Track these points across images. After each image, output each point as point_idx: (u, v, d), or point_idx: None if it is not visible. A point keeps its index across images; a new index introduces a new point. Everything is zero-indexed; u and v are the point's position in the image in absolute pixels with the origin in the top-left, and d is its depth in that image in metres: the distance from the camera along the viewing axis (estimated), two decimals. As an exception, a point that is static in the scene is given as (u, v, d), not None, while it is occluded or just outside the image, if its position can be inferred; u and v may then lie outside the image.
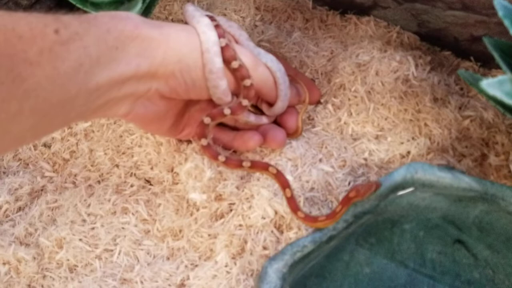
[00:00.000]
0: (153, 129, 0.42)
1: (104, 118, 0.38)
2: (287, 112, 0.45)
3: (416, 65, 0.45)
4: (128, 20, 0.33)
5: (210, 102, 0.42)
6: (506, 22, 0.30)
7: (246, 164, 0.40)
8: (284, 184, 0.40)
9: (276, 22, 0.53)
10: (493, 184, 0.35)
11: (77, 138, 0.50)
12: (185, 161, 0.44)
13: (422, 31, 0.48)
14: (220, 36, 0.38)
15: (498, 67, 0.43)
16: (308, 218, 0.37)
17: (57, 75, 0.27)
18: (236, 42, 0.42)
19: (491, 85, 0.29)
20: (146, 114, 0.38)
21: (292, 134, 0.46)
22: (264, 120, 0.44)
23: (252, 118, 0.44)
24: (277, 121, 0.46)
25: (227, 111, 0.40)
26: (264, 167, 0.41)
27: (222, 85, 0.38)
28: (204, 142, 0.39)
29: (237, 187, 0.43)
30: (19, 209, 0.47)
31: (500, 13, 0.30)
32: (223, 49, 0.38)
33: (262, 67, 0.40)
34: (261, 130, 0.44)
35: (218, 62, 0.37)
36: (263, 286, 0.33)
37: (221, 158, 0.39)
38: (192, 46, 0.36)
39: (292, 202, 0.39)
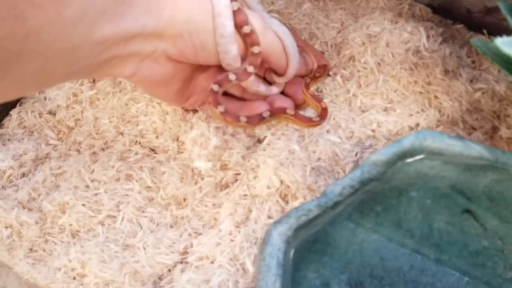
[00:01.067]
0: (159, 94, 0.42)
1: (109, 77, 0.38)
2: (294, 82, 0.44)
3: (428, 36, 0.44)
4: None
5: (218, 70, 0.42)
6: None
7: (266, 114, 0.40)
8: (305, 120, 0.41)
9: (286, -7, 0.52)
10: (504, 153, 0.34)
11: (82, 106, 0.49)
12: (191, 129, 0.44)
13: (434, 3, 0.47)
14: None
15: (511, 39, 0.42)
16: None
17: (61, 20, 0.27)
18: (248, 7, 0.41)
19: (506, 43, 0.28)
20: (152, 76, 0.37)
21: (300, 105, 0.45)
22: (274, 90, 0.44)
23: (262, 88, 0.43)
24: (285, 92, 0.45)
25: (232, 76, 0.39)
26: (282, 111, 0.41)
27: (232, 51, 0.37)
28: (221, 108, 0.38)
29: (243, 157, 0.43)
30: (23, 175, 0.47)
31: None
32: (235, 13, 0.37)
33: (271, 33, 0.40)
34: (268, 100, 0.44)
35: (229, 26, 0.36)
36: (267, 248, 0.32)
37: (243, 119, 0.39)
38: (202, 7, 0.35)
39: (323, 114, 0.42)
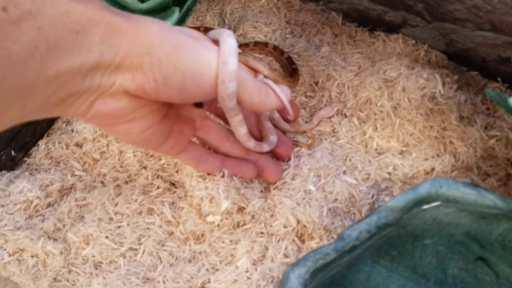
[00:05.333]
0: (121, 132, 0.37)
1: (64, 115, 0.34)
2: (284, 142, 0.46)
3: (443, 83, 0.45)
4: (90, 3, 0.29)
5: (195, 114, 0.41)
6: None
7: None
8: None
9: (306, 36, 0.55)
10: (518, 203, 0.35)
11: (107, 139, 0.51)
12: (199, 188, 0.43)
13: (450, 50, 0.49)
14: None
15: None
16: None
17: (8, 57, 0.25)
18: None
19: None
20: (108, 111, 0.33)
21: (309, 145, 0.47)
22: (264, 147, 0.44)
23: (251, 144, 0.43)
24: (274, 151, 0.46)
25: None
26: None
27: (233, 109, 0.38)
28: None
29: (260, 199, 0.44)
30: (49, 205, 0.48)
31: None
32: None
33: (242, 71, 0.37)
34: (258, 162, 0.44)
35: (232, 86, 0.35)
36: (284, 290, 0.33)
37: None
38: (165, 38, 0.32)
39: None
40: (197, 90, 0.34)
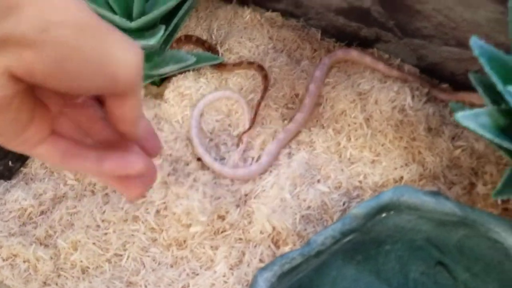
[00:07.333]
0: None
1: None
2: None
3: (412, 96, 0.48)
4: None
5: (52, 101, 0.31)
6: (482, 60, 0.32)
7: None
8: None
9: (287, 50, 0.57)
10: (474, 210, 0.37)
11: (98, 150, 0.54)
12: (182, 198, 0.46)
13: (421, 64, 0.51)
14: None
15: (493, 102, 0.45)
16: None
17: None
18: None
19: (466, 117, 0.32)
20: None
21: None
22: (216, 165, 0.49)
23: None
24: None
25: None
26: None
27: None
28: None
29: (238, 207, 0.47)
30: (42, 212, 0.51)
31: (476, 52, 0.33)
32: None
33: None
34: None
35: None
36: (252, 293, 0.35)
37: None
38: (68, 15, 0.26)
39: None
40: (96, 80, 0.28)
